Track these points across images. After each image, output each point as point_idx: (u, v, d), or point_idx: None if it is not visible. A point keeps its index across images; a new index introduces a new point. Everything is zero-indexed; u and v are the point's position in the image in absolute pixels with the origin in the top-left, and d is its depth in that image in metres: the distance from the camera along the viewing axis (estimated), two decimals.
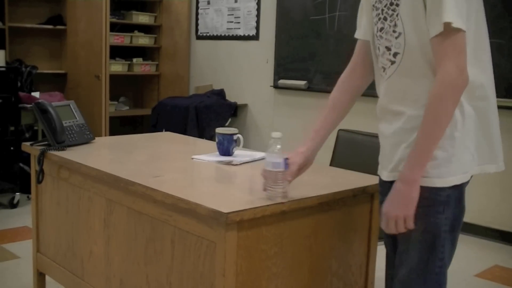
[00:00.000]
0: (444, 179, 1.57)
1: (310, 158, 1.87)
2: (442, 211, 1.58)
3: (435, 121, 1.53)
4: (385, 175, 1.70)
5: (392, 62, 1.65)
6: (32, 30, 5.67)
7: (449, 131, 1.55)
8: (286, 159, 1.75)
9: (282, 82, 5.03)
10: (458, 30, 1.50)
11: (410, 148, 1.58)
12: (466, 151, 1.59)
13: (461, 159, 1.58)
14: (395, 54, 1.64)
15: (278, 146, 1.70)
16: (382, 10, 1.66)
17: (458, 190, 1.59)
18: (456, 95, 1.51)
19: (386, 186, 1.69)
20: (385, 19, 1.65)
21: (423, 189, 1.57)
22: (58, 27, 5.76)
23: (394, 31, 1.62)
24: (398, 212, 1.58)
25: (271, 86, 5.15)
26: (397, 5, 1.62)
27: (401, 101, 1.64)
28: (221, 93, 5.49)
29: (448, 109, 1.52)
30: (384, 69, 1.70)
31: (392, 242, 1.74)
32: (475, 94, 1.60)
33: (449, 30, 1.49)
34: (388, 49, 1.65)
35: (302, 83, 4.84)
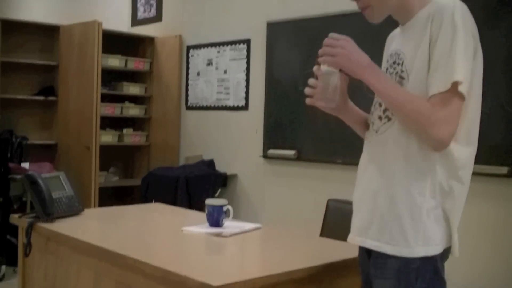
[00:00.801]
0: (412, 249, 1.55)
1: (348, 106, 1.84)
2: (414, 282, 1.55)
3: (404, 103, 1.54)
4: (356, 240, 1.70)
5: (388, 119, 1.66)
6: (23, 101, 5.72)
7: (420, 200, 1.55)
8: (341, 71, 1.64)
9: (271, 152, 5.06)
10: (461, 94, 1.51)
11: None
12: (436, 223, 1.57)
13: (431, 229, 1.56)
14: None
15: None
16: (387, 69, 1.71)
17: (431, 262, 1.56)
18: (425, 133, 1.53)
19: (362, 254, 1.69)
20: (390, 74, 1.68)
21: (393, 259, 1.56)
22: (50, 98, 5.82)
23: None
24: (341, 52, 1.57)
25: (260, 156, 5.17)
26: (399, 64, 1.66)
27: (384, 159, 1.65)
28: (211, 163, 5.51)
29: (411, 115, 1.54)
30: (374, 124, 1.72)
31: None
32: (458, 173, 1.61)
33: (454, 92, 1.50)
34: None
35: (291, 152, 4.87)
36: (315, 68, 1.67)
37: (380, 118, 1.70)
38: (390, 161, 1.63)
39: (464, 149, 1.60)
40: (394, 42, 1.77)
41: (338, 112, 1.83)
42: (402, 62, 1.65)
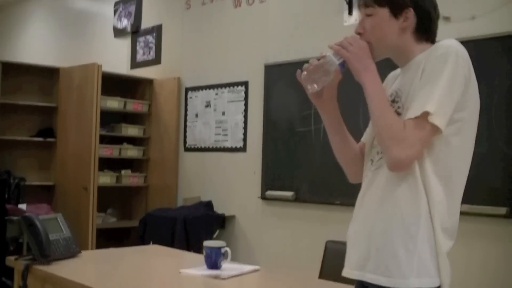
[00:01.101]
0: (406, 280, 1.56)
1: (331, 104, 1.86)
2: None
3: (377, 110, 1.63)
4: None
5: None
6: (22, 142, 5.74)
7: (414, 231, 1.58)
8: (343, 64, 1.72)
9: (269, 193, 5.06)
10: (433, 125, 1.56)
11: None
12: (430, 254, 1.59)
13: (425, 260, 1.58)
14: None
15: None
16: None
17: None
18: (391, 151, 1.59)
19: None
20: None
21: None
22: (48, 139, 5.84)
23: None
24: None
25: (258, 197, 5.17)
26: (397, 102, 1.71)
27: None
28: (209, 205, 5.50)
29: (381, 123, 1.62)
30: (372, 161, 1.75)
31: None
32: (445, 208, 1.63)
33: (425, 120, 1.56)
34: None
35: (289, 194, 4.86)
36: (323, 51, 1.75)
37: (377, 153, 1.74)
38: (385, 195, 1.66)
39: (445, 186, 1.63)
40: (396, 82, 1.82)
41: (320, 104, 1.85)
42: (400, 100, 1.71)
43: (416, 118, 1.57)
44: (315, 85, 1.73)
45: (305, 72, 1.74)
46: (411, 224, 1.59)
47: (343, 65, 1.71)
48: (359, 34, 1.75)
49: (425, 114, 1.55)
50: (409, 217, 1.60)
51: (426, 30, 1.74)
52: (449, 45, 1.62)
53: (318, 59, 1.73)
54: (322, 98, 1.82)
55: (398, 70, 1.85)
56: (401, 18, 1.71)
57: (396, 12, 1.71)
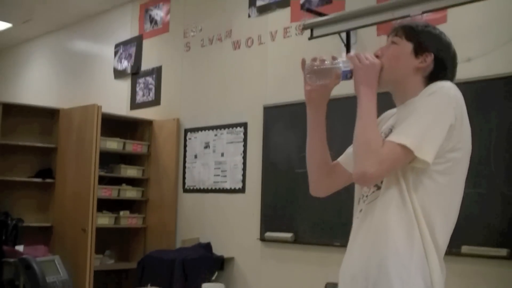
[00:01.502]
0: None
1: (321, 106, 1.90)
2: None
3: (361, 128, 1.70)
4: None
5: (378, 188, 1.74)
6: (21, 183, 5.73)
7: (407, 260, 1.63)
8: (351, 75, 1.78)
9: (268, 234, 5.03)
10: (409, 150, 1.61)
11: None
12: (423, 280, 1.63)
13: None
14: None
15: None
16: None
17: None
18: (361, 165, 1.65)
19: None
20: None
21: None
22: (47, 180, 5.83)
23: None
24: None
25: (257, 238, 5.13)
26: (386, 135, 1.75)
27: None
28: (207, 246, 5.46)
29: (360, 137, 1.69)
30: (366, 196, 1.79)
31: None
32: (435, 236, 1.68)
33: (402, 145, 1.62)
34: None
35: (288, 235, 4.83)
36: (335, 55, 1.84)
37: (369, 188, 1.78)
38: (379, 228, 1.69)
39: (433, 222, 1.67)
40: (391, 119, 1.87)
41: (311, 101, 1.89)
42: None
43: (395, 141, 1.63)
44: (314, 78, 1.79)
45: (311, 62, 1.79)
46: (405, 256, 1.64)
47: (347, 74, 1.78)
48: (377, 56, 1.81)
49: (404, 140, 1.62)
50: (403, 249, 1.64)
51: (437, 78, 1.78)
52: (442, 85, 1.69)
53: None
54: (314, 95, 1.86)
55: (394, 109, 1.89)
56: (420, 58, 1.78)
57: (418, 51, 1.79)
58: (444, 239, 1.70)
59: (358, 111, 1.73)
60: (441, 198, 1.68)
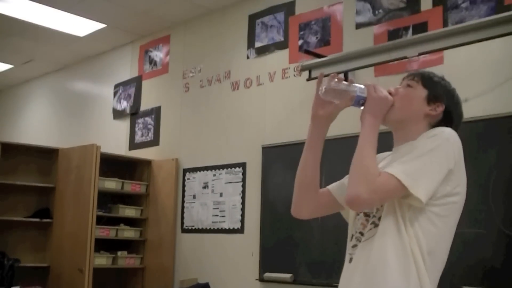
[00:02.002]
0: None
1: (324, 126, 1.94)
2: None
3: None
4: None
5: (375, 225, 1.77)
6: (18, 223, 5.71)
7: None
8: (363, 102, 1.82)
9: (267, 275, 4.99)
10: (402, 186, 1.65)
11: None
12: None
13: None
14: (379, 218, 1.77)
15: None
16: None
17: None
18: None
19: None
20: None
21: None
22: (45, 220, 5.81)
23: None
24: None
25: (256, 279, 5.09)
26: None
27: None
28: (206, 287, 5.41)
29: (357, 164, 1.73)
30: (362, 233, 1.81)
31: None
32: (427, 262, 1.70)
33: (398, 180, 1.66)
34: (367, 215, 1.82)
35: (287, 276, 4.80)
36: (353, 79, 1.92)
37: (364, 226, 1.81)
38: (378, 266, 1.70)
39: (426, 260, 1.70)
40: (387, 158, 1.91)
41: (316, 117, 1.93)
42: None
43: (391, 173, 1.67)
44: (327, 94, 1.82)
45: (330, 79, 1.82)
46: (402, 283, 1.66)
47: (360, 101, 1.82)
48: (390, 93, 1.86)
49: (400, 174, 1.65)
50: (401, 286, 1.67)
51: (445, 126, 1.84)
52: (443, 130, 1.76)
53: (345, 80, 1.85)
54: (321, 113, 1.89)
55: (387, 153, 1.95)
56: (431, 106, 1.85)
57: (431, 98, 1.85)
58: (434, 278, 1.73)
59: (360, 139, 1.78)
60: (435, 239, 1.71)
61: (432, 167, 1.67)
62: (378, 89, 1.82)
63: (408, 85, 1.88)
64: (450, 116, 1.86)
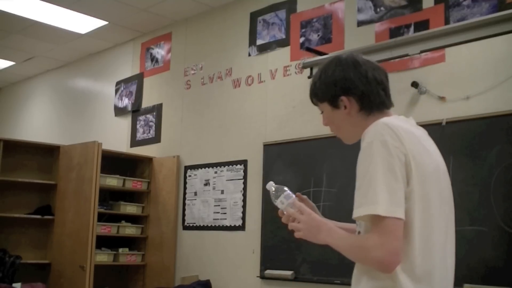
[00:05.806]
0: None
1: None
2: None
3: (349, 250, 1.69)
4: None
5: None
6: (20, 220, 5.72)
7: None
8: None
9: (268, 272, 5.00)
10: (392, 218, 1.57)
11: None
12: None
13: None
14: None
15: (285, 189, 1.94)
16: None
17: None
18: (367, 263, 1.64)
19: None
20: None
21: None
22: (46, 217, 5.81)
23: None
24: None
25: (257, 276, 5.10)
26: None
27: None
28: (207, 284, 5.42)
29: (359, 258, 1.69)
30: None
31: None
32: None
33: (377, 220, 1.58)
34: None
35: (288, 273, 4.81)
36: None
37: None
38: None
39: (419, 259, 1.62)
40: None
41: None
42: None
43: (372, 223, 1.59)
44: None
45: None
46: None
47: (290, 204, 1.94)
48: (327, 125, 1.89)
49: (375, 209, 1.56)
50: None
51: (369, 105, 1.79)
52: (371, 139, 1.63)
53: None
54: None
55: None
56: (341, 107, 1.81)
57: (333, 104, 1.82)
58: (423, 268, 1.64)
59: (334, 247, 1.77)
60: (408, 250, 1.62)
61: (389, 181, 1.57)
62: (296, 227, 1.89)
63: (322, 113, 1.90)
64: (358, 92, 1.77)
